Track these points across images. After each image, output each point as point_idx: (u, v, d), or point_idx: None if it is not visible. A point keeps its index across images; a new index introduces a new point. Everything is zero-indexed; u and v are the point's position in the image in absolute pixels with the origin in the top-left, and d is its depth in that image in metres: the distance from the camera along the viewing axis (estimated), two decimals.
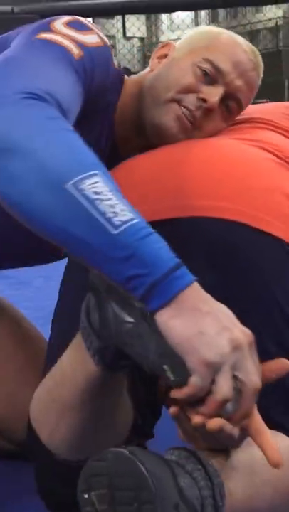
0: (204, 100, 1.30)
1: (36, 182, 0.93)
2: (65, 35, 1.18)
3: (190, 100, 1.30)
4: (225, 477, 0.99)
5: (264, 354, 0.96)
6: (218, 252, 1.12)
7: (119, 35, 17.26)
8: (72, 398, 1.08)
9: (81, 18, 1.26)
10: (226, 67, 1.33)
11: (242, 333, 0.92)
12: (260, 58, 1.40)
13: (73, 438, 1.10)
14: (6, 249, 1.39)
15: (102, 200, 0.92)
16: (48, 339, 1.30)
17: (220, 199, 1.17)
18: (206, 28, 1.44)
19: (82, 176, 0.93)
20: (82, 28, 1.23)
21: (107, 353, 1.00)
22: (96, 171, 0.94)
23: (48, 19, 1.23)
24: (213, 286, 0.95)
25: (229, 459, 1.01)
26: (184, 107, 1.30)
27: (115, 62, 1.31)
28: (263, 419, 0.97)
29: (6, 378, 1.43)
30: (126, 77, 1.38)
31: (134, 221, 0.92)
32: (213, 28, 1.43)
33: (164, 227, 0.98)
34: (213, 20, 18.17)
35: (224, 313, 0.93)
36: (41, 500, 1.21)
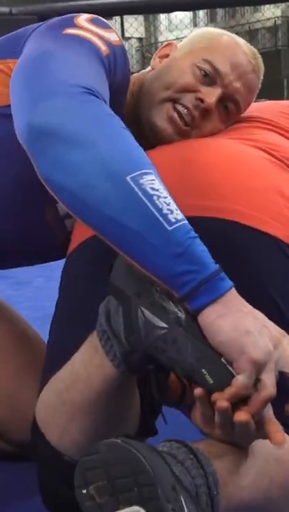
0: (201, 100, 1.30)
1: (96, 173, 0.94)
2: (91, 32, 1.18)
3: (188, 99, 1.30)
4: (221, 466, 0.99)
5: None
6: (217, 252, 1.12)
7: None
8: (85, 401, 1.08)
9: (99, 17, 1.25)
10: (224, 68, 1.33)
11: (277, 331, 0.96)
12: (260, 61, 1.39)
13: (84, 440, 1.10)
14: (15, 248, 1.39)
15: (160, 196, 0.95)
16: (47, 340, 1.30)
17: (219, 199, 1.17)
18: (208, 29, 1.44)
19: (141, 172, 0.95)
20: (104, 25, 1.23)
21: (133, 358, 1.01)
22: (151, 170, 0.97)
23: (68, 15, 1.22)
24: None
25: (224, 450, 1.02)
26: (182, 105, 1.30)
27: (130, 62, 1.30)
28: None
29: (6, 380, 1.43)
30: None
31: (185, 222, 0.95)
32: (215, 30, 1.43)
33: None
34: (212, 20, 18.16)
35: (259, 313, 0.97)
36: (42, 501, 1.21)
